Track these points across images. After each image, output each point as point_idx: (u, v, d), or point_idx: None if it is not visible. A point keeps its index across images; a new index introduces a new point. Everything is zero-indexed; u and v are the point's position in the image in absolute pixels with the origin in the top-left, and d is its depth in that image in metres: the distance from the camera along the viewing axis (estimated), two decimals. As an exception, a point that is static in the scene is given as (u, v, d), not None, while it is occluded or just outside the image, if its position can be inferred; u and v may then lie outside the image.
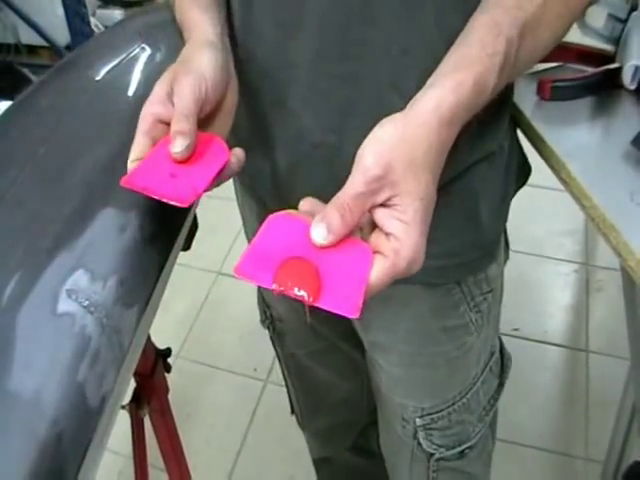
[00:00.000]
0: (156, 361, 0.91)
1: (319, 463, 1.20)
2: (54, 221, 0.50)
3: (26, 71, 2.12)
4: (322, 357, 0.95)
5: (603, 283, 1.75)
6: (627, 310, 0.91)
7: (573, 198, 0.65)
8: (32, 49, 2.29)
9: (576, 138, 0.70)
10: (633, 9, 0.72)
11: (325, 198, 0.45)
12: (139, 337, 0.54)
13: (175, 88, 0.51)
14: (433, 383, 0.75)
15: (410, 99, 0.46)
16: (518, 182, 0.70)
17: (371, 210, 0.45)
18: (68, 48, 2.15)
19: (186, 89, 0.51)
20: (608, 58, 0.75)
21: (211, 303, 1.81)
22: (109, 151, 0.57)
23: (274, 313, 0.92)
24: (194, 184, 0.50)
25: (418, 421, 0.76)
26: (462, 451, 0.79)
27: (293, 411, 1.07)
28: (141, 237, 0.54)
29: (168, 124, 0.51)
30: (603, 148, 0.69)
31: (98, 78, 0.63)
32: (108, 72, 0.64)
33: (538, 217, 1.86)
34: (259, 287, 0.92)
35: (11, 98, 0.65)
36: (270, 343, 0.99)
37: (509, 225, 0.71)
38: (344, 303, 0.42)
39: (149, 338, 0.87)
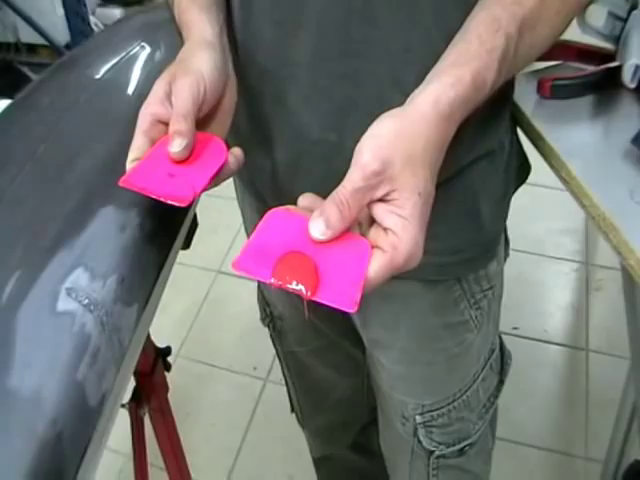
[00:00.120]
0: (156, 360, 0.91)
1: (319, 462, 1.20)
2: (54, 220, 0.51)
3: (26, 70, 2.12)
4: (322, 355, 0.95)
5: (603, 282, 1.75)
6: (627, 309, 0.91)
7: (573, 197, 0.65)
8: (32, 48, 2.29)
9: (576, 137, 0.70)
10: (633, 8, 0.72)
11: (325, 194, 0.45)
12: (139, 336, 0.54)
13: (174, 88, 0.52)
14: (433, 380, 0.75)
15: None
16: (518, 180, 0.70)
17: (369, 205, 0.45)
18: (68, 47, 2.15)
19: (184, 89, 0.51)
20: (608, 56, 0.74)
21: (211, 302, 1.81)
22: (109, 149, 0.57)
23: (274, 311, 0.92)
24: (193, 184, 0.50)
25: (418, 418, 0.76)
26: (462, 449, 0.79)
27: (293, 410, 1.07)
28: (141, 236, 0.54)
29: (167, 124, 0.51)
30: (603, 147, 0.69)
31: (98, 77, 0.63)
32: (108, 71, 0.64)
33: (538, 216, 1.86)
34: (259, 285, 0.92)
35: (11, 97, 0.65)
36: (270, 342, 0.99)
37: (509, 224, 0.71)
38: (342, 297, 0.42)
39: (149, 337, 0.87)
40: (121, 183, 0.49)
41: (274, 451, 1.46)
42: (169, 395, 0.97)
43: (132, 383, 0.88)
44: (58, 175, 0.54)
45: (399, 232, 0.43)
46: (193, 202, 0.50)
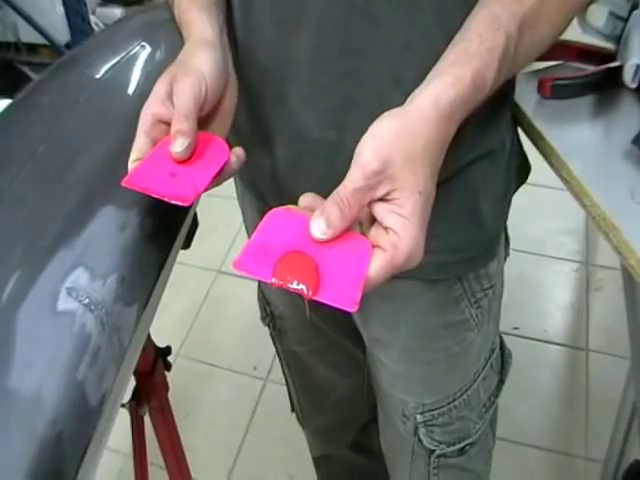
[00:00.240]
0: (156, 359, 0.91)
1: (319, 461, 1.20)
2: (54, 219, 0.51)
3: (26, 69, 2.12)
4: (323, 354, 0.95)
5: (603, 282, 1.75)
6: (627, 309, 0.91)
7: (573, 196, 0.65)
8: (32, 47, 2.29)
9: (577, 136, 0.70)
10: (634, 7, 0.72)
11: (325, 194, 0.45)
12: (139, 335, 0.54)
13: (175, 88, 0.52)
14: (434, 379, 0.75)
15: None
16: (518, 180, 0.70)
17: (370, 204, 0.45)
18: (68, 46, 2.15)
19: (186, 89, 0.51)
20: (609, 56, 0.74)
21: (211, 302, 1.81)
22: (109, 149, 0.57)
23: (275, 310, 0.92)
24: (194, 183, 0.50)
25: (419, 417, 0.76)
26: (462, 448, 0.79)
27: (293, 409, 1.07)
28: (141, 235, 0.54)
29: (168, 124, 0.51)
30: (604, 146, 0.69)
31: (98, 76, 0.63)
32: (108, 70, 0.64)
33: (538, 216, 1.86)
34: (259, 284, 0.92)
35: (11, 96, 0.65)
36: (270, 341, 0.99)
37: (509, 223, 0.71)
38: (343, 296, 0.42)
39: (149, 336, 0.87)
40: (124, 183, 0.49)
41: (274, 451, 1.46)
42: (169, 395, 0.97)
43: (132, 383, 0.88)
44: (58, 175, 0.54)
45: (400, 231, 0.43)
46: (195, 201, 0.50)
